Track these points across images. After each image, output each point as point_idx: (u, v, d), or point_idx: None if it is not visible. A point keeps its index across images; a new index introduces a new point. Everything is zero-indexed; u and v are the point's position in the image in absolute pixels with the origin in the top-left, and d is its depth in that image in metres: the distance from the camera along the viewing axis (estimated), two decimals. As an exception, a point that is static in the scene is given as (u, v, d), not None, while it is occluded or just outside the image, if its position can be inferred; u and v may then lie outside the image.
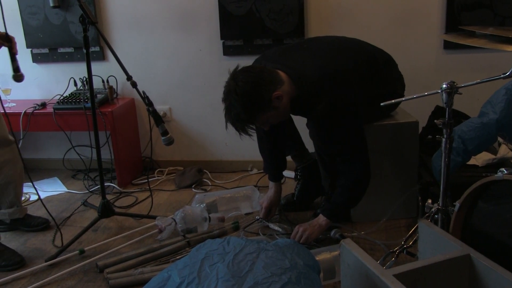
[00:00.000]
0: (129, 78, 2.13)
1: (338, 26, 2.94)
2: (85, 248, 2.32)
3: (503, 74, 1.62)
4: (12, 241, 2.48)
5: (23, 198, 2.96)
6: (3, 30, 2.21)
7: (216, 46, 3.12)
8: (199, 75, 3.21)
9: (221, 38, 3.08)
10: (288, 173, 2.97)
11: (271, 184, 2.50)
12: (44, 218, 2.64)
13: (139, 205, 2.88)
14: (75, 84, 3.23)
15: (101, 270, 2.15)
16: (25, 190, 3.10)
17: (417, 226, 1.83)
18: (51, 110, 3.04)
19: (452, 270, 1.47)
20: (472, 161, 2.27)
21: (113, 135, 3.04)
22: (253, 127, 2.04)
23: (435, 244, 1.63)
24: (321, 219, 2.20)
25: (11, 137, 2.43)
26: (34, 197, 3.05)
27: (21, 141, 3.09)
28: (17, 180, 2.48)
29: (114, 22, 3.20)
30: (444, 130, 1.72)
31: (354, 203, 2.25)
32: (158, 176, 3.29)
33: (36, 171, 3.50)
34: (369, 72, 2.24)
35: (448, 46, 2.84)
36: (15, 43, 2.24)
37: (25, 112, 3.04)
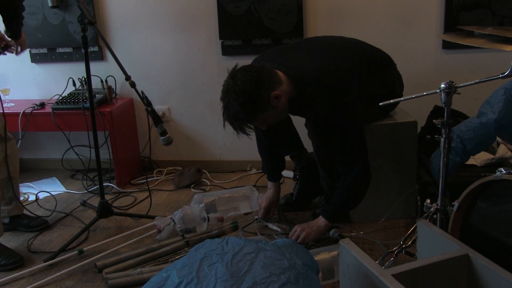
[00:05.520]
0: (127, 78, 2.12)
1: (337, 26, 2.94)
2: (84, 248, 2.32)
3: (502, 74, 1.62)
4: (11, 241, 2.48)
5: (21, 198, 2.97)
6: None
7: (215, 46, 3.11)
8: (198, 75, 3.21)
9: (220, 38, 3.08)
10: (287, 173, 2.97)
11: (270, 184, 2.50)
12: (43, 219, 2.64)
13: (138, 205, 2.88)
14: (74, 84, 3.23)
15: (100, 270, 2.15)
16: (24, 190, 3.12)
17: (416, 226, 1.83)
18: (50, 110, 3.04)
19: (451, 270, 1.47)
20: (471, 161, 2.27)
21: (112, 135, 3.04)
22: (251, 126, 2.04)
23: (434, 244, 1.63)
24: (321, 220, 2.20)
25: (9, 134, 2.44)
26: (32, 197, 3.04)
27: (19, 141, 3.09)
28: (16, 176, 2.50)
29: (113, 22, 3.20)
30: (443, 130, 1.73)
31: (354, 205, 2.24)
32: (157, 176, 3.29)
33: (35, 171, 3.50)
34: (367, 72, 2.24)
35: (447, 46, 2.84)
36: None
37: (23, 112, 3.03)
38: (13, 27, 2.38)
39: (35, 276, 2.17)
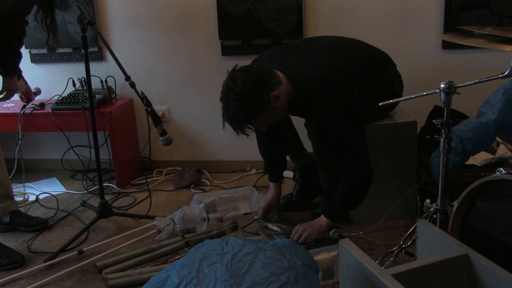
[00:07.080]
0: (127, 78, 2.12)
1: (337, 26, 2.94)
2: (84, 249, 2.32)
3: (501, 74, 1.62)
4: (11, 241, 2.48)
5: (21, 199, 2.98)
6: None
7: (215, 46, 3.12)
8: (198, 75, 3.21)
9: (220, 38, 3.08)
10: (287, 173, 2.96)
11: (271, 185, 2.50)
12: (43, 218, 2.64)
13: (138, 205, 2.88)
14: (74, 85, 3.23)
15: (99, 270, 2.15)
16: (24, 190, 3.12)
17: (415, 226, 1.83)
18: (50, 110, 3.04)
19: (451, 270, 1.47)
20: (471, 161, 2.28)
21: (112, 135, 3.04)
22: (251, 126, 2.05)
23: (433, 244, 1.63)
24: (322, 220, 2.20)
25: None
26: (32, 198, 3.04)
27: (19, 141, 3.09)
28: (4, 174, 2.50)
29: (112, 22, 3.20)
30: (443, 130, 1.73)
31: (355, 205, 2.24)
32: (156, 176, 3.29)
33: (35, 171, 3.50)
34: (367, 72, 2.24)
35: (447, 46, 2.84)
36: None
37: (23, 112, 3.03)
38: (5, 61, 2.22)
39: (35, 276, 2.17)
